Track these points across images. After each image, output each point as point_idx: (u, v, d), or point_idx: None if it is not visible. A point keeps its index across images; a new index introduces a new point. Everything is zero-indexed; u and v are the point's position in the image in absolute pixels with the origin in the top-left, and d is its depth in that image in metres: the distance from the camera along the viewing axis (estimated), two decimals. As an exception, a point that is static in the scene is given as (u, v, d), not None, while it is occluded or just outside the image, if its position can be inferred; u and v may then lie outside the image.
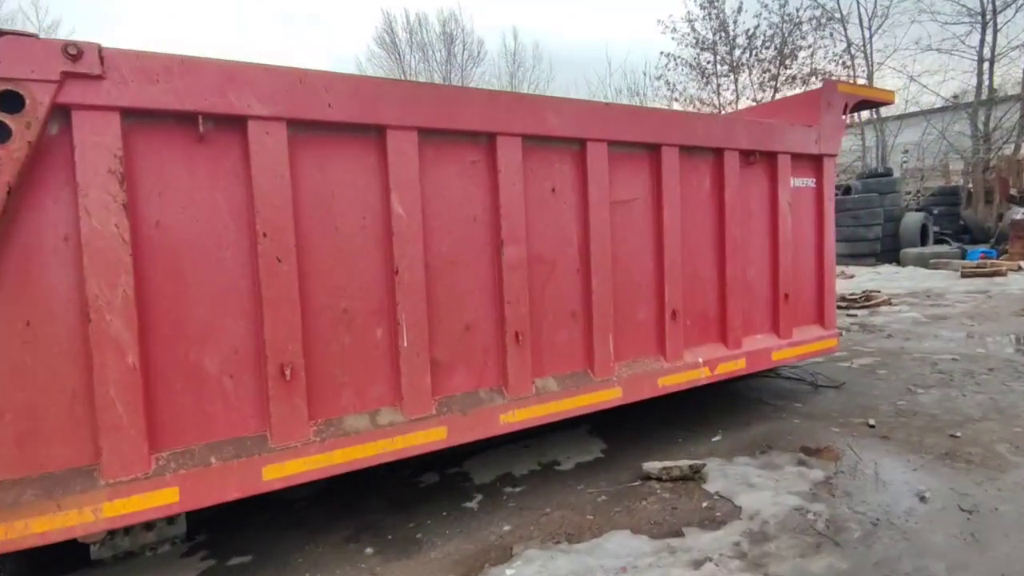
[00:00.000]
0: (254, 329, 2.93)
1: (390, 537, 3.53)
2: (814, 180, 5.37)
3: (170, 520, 3.22)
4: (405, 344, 3.30)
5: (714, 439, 4.77)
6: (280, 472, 2.95)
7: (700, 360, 4.55)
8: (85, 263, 2.53)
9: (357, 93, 3.10)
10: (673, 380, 4.40)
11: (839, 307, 10.01)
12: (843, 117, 5.45)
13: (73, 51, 2.43)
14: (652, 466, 4.07)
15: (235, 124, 2.84)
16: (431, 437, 3.37)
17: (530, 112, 3.68)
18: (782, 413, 5.27)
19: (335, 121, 3.06)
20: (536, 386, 3.81)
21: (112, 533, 3.05)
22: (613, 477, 4.17)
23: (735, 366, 4.76)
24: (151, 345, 2.70)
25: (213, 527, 3.67)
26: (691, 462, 4.10)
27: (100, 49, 2.51)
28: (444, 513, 3.79)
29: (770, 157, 4.98)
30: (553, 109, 3.77)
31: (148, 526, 3.19)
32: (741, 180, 4.79)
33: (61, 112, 2.48)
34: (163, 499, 2.69)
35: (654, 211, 4.32)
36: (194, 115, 2.73)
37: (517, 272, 3.67)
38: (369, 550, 3.39)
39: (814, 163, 5.33)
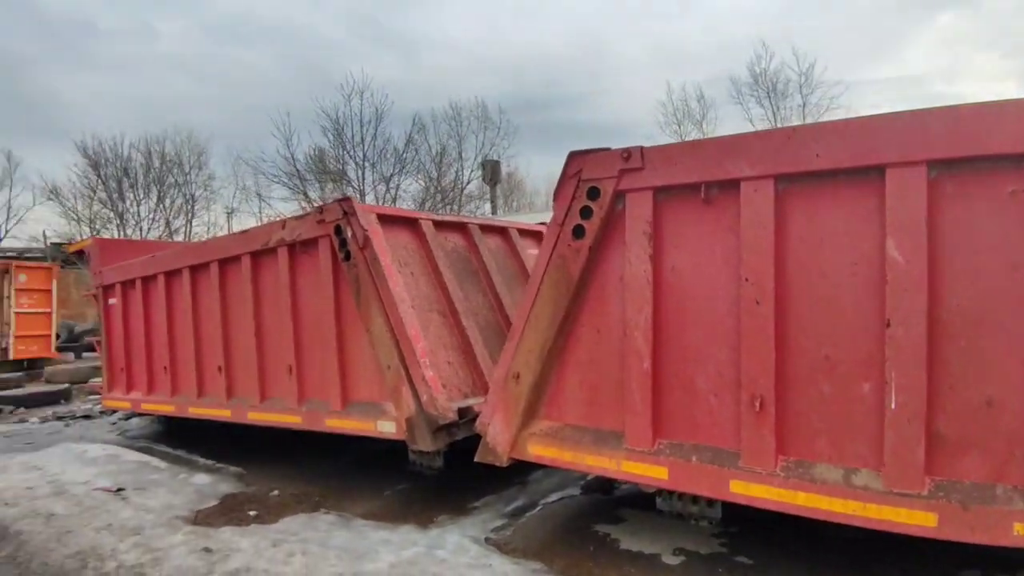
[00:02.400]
0: (734, 359, 3.41)
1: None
2: None
3: (710, 503, 4.06)
4: (893, 406, 2.96)
5: None
6: (745, 490, 3.33)
7: None
8: (626, 296, 3.73)
9: (846, 136, 3.03)
10: None
11: None
12: None
13: (626, 155, 3.65)
14: None
15: (731, 187, 3.38)
16: (913, 519, 2.88)
17: None
18: None
19: (824, 169, 3.11)
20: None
21: (672, 495, 4.08)
22: None
23: None
24: (660, 358, 3.65)
25: (744, 526, 4.25)
26: None
27: (642, 149, 3.62)
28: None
29: None
30: None
31: (695, 500, 4.13)
32: None
33: (619, 196, 3.74)
34: (656, 473, 3.61)
35: None
36: (699, 184, 3.47)
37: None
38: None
39: None
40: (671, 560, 3.94)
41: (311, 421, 5.47)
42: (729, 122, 36.77)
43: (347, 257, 4.98)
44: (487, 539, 4.43)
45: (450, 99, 32.43)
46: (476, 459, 4.47)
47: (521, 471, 5.51)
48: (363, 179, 26.81)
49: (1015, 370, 2.77)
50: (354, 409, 5.16)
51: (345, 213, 4.96)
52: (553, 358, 4.06)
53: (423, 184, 28.31)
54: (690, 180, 3.49)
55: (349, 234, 4.93)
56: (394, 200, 27.33)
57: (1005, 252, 2.79)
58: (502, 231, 6.64)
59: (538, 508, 5.01)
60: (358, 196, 26.64)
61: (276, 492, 5.66)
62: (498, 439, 4.28)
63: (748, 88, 31.33)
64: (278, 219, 6.26)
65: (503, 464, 4.30)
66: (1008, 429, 2.79)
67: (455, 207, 29.57)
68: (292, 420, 5.68)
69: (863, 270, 3.06)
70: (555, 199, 4.00)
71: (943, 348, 2.88)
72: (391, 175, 27.03)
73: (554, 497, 5.24)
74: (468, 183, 30.72)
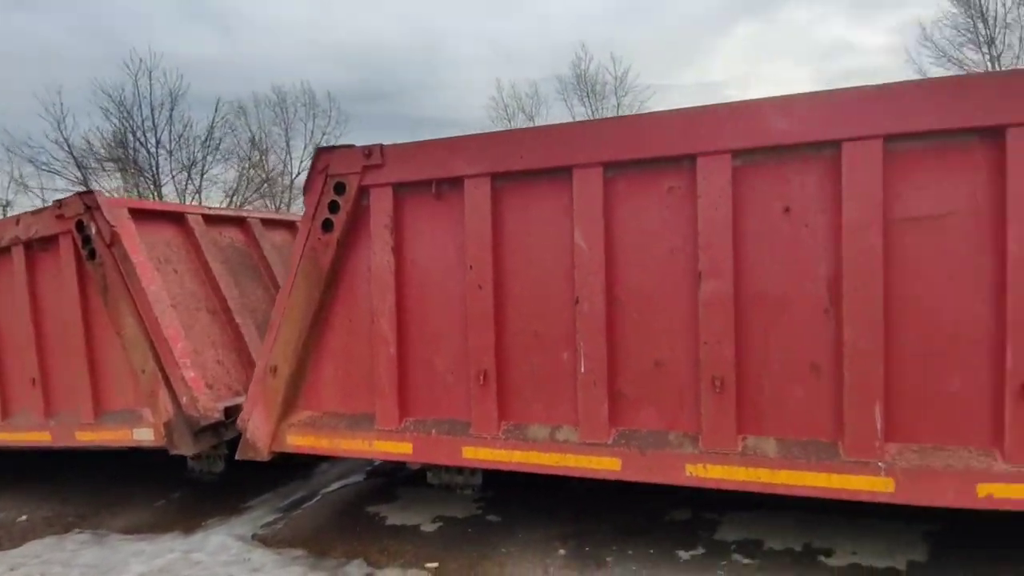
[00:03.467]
0: (465, 339, 3.77)
1: (587, 549, 3.76)
2: None
3: (472, 472, 4.38)
4: (583, 371, 3.48)
5: None
6: (474, 454, 3.72)
7: (1101, 477, 2.69)
8: (372, 286, 3.94)
9: (542, 140, 3.49)
10: (1016, 493, 2.79)
11: None
12: None
13: (367, 152, 3.85)
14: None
15: (456, 183, 3.73)
16: (602, 465, 3.44)
17: (743, 122, 3.14)
18: None
19: (528, 169, 3.55)
20: (746, 444, 3.22)
21: (440, 469, 4.34)
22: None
23: None
24: (405, 342, 3.91)
25: (500, 491, 4.67)
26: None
27: (382, 147, 3.85)
28: (651, 551, 3.69)
29: None
30: (781, 111, 3.07)
31: (459, 471, 4.43)
32: None
33: (364, 191, 3.94)
34: (403, 449, 3.89)
35: (989, 229, 2.83)
36: (430, 181, 3.77)
37: (718, 309, 3.21)
38: (562, 551, 3.76)
39: None
40: (429, 528, 4.25)
41: (61, 436, 5.03)
42: (557, 119, 38.93)
43: (92, 255, 4.64)
44: (254, 536, 4.42)
45: (273, 83, 30.21)
46: (237, 457, 4.45)
47: (308, 465, 5.55)
48: (157, 168, 23.84)
49: (677, 336, 3.40)
50: (108, 419, 4.84)
51: (87, 207, 4.61)
52: (309, 349, 4.16)
53: (236, 173, 26.03)
54: (423, 177, 3.78)
55: (93, 230, 4.60)
56: (199, 191, 24.94)
57: (665, 238, 3.41)
58: (289, 225, 6.54)
59: (316, 498, 5.08)
60: (152, 186, 23.88)
61: (24, 517, 5.13)
62: (258, 434, 4.29)
63: (571, 88, 33.41)
64: (12, 216, 5.60)
65: (264, 458, 4.32)
66: (675, 385, 3.43)
67: (286, 199, 27.90)
68: (40, 438, 5.17)
69: (560, 256, 3.55)
70: (305, 194, 4.10)
71: (620, 320, 3.46)
72: (193, 163, 24.43)
73: (336, 486, 5.34)
74: (298, 174, 29.07)
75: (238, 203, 24.81)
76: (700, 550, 3.67)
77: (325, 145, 4.01)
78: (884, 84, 2.93)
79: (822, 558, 3.48)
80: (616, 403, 3.48)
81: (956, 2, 21.29)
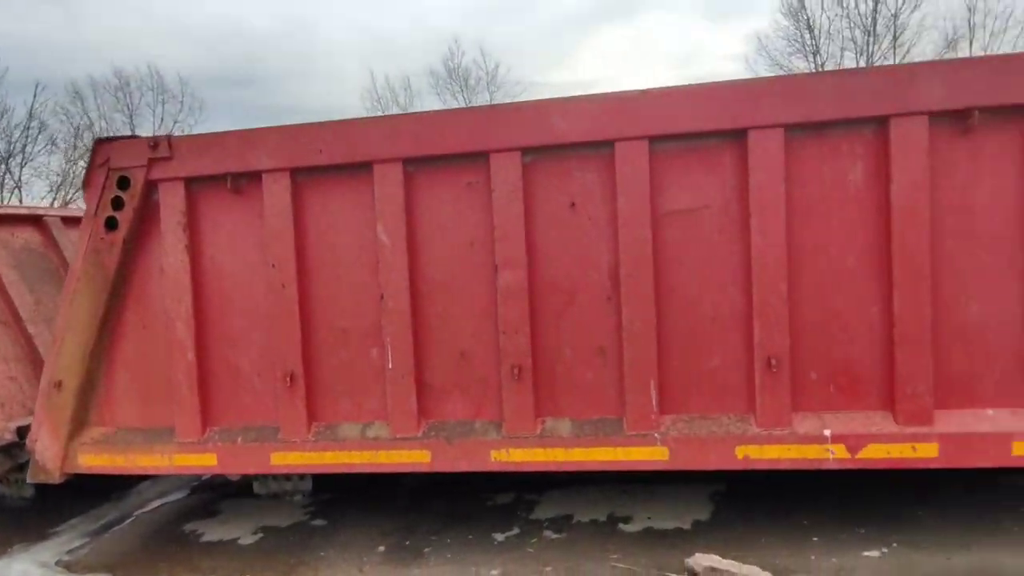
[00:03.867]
0: (271, 340, 3.63)
1: (407, 543, 3.79)
2: None
3: (301, 477, 4.22)
4: (391, 366, 3.49)
5: (868, 553, 3.20)
6: (283, 460, 3.60)
7: (827, 432, 3.13)
8: (166, 288, 3.68)
9: (339, 135, 3.43)
10: (767, 454, 3.18)
11: None
12: None
13: (153, 143, 3.57)
14: (700, 561, 3.09)
15: (255, 178, 3.57)
16: (412, 458, 3.47)
17: (531, 121, 3.28)
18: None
19: (328, 164, 3.47)
20: (545, 427, 3.40)
21: (267, 478, 4.15)
22: (659, 559, 3.33)
23: (914, 452, 3.07)
24: (205, 347, 3.70)
25: (335, 493, 4.55)
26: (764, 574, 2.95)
27: (170, 139, 3.58)
28: (469, 536, 3.79)
29: (1011, 115, 2.94)
30: (562, 112, 3.25)
31: (287, 478, 4.25)
32: (935, 161, 3.01)
33: (152, 185, 3.65)
34: (206, 461, 3.68)
35: (737, 221, 3.18)
36: (226, 175, 3.58)
37: (514, 300, 3.35)
38: (382, 548, 3.75)
39: None
40: (248, 540, 4.06)
41: None
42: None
43: None
44: (58, 562, 4.02)
45: (114, 66, 26.94)
46: (28, 479, 4.01)
47: (128, 484, 5.11)
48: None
49: (479, 326, 3.49)
50: None
51: None
52: (98, 360, 3.80)
53: (63, 165, 23.09)
54: (218, 171, 3.57)
55: None
56: (19, 185, 21.97)
57: (465, 232, 3.48)
58: (97, 224, 5.93)
59: (130, 520, 4.68)
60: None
61: None
62: (47, 455, 3.87)
63: (444, 82, 33.25)
64: None
65: (56, 481, 3.91)
66: (479, 375, 3.52)
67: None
68: None
69: (364, 252, 3.52)
70: (85, 189, 3.73)
71: (425, 313, 3.49)
72: (10, 154, 21.47)
73: (155, 504, 4.95)
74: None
75: (64, 198, 22.11)
76: (515, 530, 3.82)
77: (104, 136, 3.64)
78: (648, 89, 3.18)
79: (621, 525, 3.75)
80: (425, 396, 3.52)
81: (787, 14, 23.73)
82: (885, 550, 3.22)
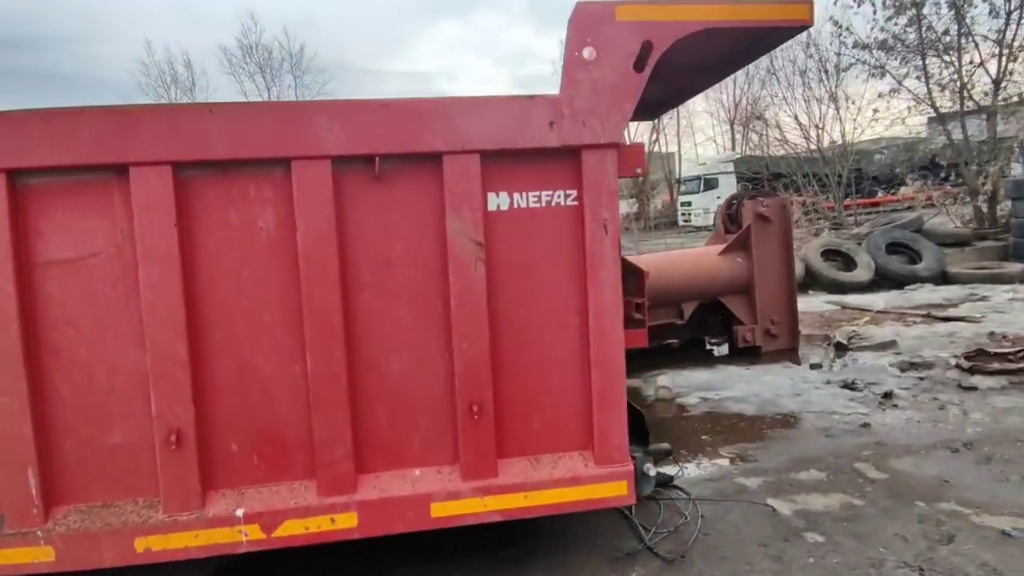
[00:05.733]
0: None
1: None
2: (564, 193, 2.95)
3: None
4: None
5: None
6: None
7: (239, 513, 2.75)
8: None
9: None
10: (172, 543, 2.72)
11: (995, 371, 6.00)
12: (635, 71, 2.87)
13: None
14: None
15: None
16: None
17: None
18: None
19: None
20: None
21: None
22: None
23: (332, 524, 2.81)
24: None
25: None
26: None
27: None
28: None
29: (423, 163, 2.82)
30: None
31: None
32: (346, 210, 2.80)
33: None
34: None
35: (129, 271, 2.71)
36: None
37: None
38: None
39: (559, 163, 2.91)
40: None
41: None
42: (224, 92, 35.24)
43: None
44: None
45: None
46: None
47: None
48: None
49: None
50: None
51: None
52: None
53: None
54: None
55: None
56: None
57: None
58: None
59: None
60: None
61: None
62: None
63: (239, 61, 30.49)
64: None
65: None
66: None
67: None
68: None
69: None
70: None
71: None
72: None
73: None
74: None
75: None
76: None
77: None
78: (7, 112, 2.59)
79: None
80: None
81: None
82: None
